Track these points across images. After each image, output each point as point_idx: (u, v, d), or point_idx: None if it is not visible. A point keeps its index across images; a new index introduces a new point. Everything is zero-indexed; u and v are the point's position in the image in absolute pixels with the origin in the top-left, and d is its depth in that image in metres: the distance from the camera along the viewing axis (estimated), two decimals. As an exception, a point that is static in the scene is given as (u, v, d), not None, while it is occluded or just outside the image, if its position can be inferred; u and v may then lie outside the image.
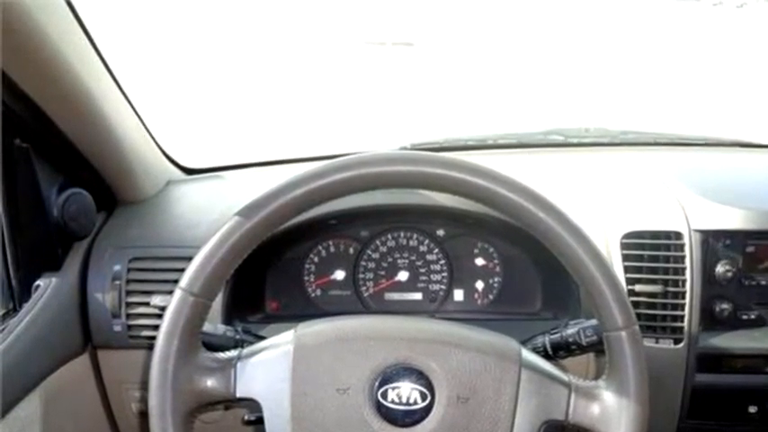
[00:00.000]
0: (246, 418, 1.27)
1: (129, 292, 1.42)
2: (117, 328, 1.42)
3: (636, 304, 1.38)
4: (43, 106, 1.15)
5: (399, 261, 1.63)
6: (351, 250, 1.63)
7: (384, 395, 0.94)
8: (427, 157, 0.93)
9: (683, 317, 1.40)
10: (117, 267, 1.42)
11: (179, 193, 1.67)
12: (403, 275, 1.62)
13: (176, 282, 0.93)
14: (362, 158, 0.92)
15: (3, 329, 1.22)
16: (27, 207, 1.30)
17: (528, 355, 1.00)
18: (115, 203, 1.55)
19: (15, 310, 1.30)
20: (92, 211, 1.44)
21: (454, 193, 0.94)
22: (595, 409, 0.96)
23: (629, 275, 1.41)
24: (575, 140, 1.93)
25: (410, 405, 0.93)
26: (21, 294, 1.33)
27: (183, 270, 0.93)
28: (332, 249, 1.63)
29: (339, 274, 1.62)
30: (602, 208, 1.51)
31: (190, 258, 0.93)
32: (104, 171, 1.43)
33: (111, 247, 1.46)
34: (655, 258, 1.42)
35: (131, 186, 1.54)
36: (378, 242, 1.62)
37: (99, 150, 1.37)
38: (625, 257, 1.42)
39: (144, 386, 1.44)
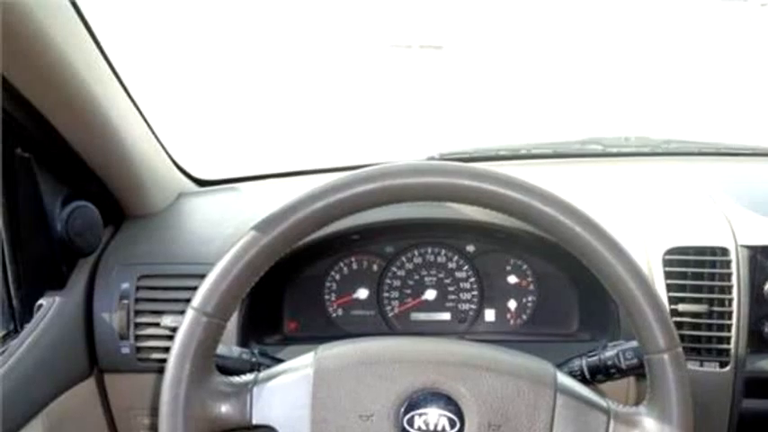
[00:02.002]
0: None
1: (137, 312, 1.41)
2: (125, 351, 1.41)
3: (679, 325, 1.37)
4: (46, 114, 1.15)
5: (426, 279, 1.61)
6: (374, 267, 1.62)
7: (410, 422, 0.93)
8: (457, 167, 0.92)
9: (729, 338, 1.38)
10: (125, 285, 1.42)
11: (191, 206, 1.67)
12: (430, 294, 1.61)
13: (188, 301, 0.93)
14: (387, 169, 0.92)
15: (3, 352, 1.22)
16: (29, 221, 1.30)
17: (564, 379, 0.99)
18: (123, 217, 1.55)
19: (17, 331, 1.30)
20: (98, 225, 1.44)
21: (485, 206, 0.93)
22: None
23: (671, 294, 1.40)
24: (614, 150, 1.92)
25: None
26: (22, 314, 1.33)
27: (195, 288, 0.93)
28: (354, 266, 1.62)
29: (362, 293, 1.61)
30: (642, 222, 1.49)
31: (203, 276, 0.93)
32: (111, 183, 1.43)
33: (119, 263, 1.45)
34: (699, 276, 1.40)
35: (140, 199, 1.54)
36: (403, 258, 1.61)
37: (106, 161, 1.37)
38: (668, 275, 1.41)
39: (154, 412, 1.44)
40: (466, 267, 1.61)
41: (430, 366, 0.96)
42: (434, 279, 1.61)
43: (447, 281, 1.61)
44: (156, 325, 1.39)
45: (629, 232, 1.43)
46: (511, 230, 1.47)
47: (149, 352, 1.41)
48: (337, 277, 1.61)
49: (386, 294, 1.61)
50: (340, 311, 1.62)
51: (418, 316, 1.61)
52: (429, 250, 1.61)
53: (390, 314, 1.61)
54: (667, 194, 1.59)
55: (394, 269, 1.61)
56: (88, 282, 1.43)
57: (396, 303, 1.61)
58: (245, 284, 0.93)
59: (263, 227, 0.91)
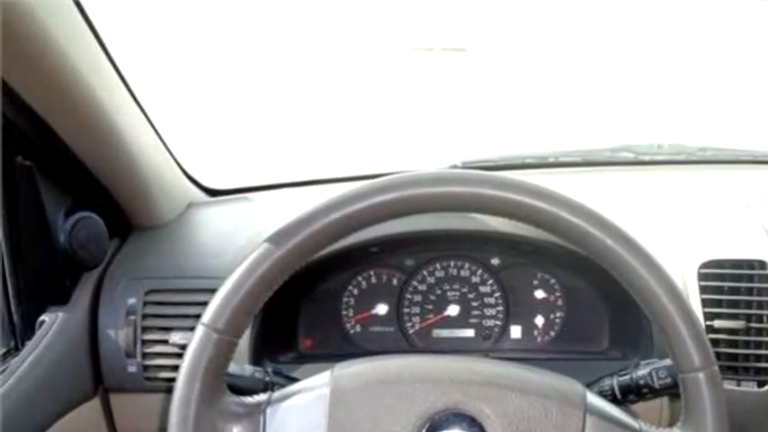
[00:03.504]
0: None
1: (144, 329, 1.41)
2: (131, 369, 1.41)
3: (715, 342, 1.36)
4: (48, 119, 1.15)
5: (449, 293, 1.61)
6: (394, 281, 1.61)
7: None
8: (481, 176, 0.92)
9: (767, 356, 1.37)
10: (132, 300, 1.42)
11: (201, 217, 1.67)
12: (453, 310, 1.60)
13: (198, 317, 0.92)
14: (408, 178, 0.91)
15: (3, 370, 1.22)
16: (30, 232, 1.30)
17: (594, 399, 0.98)
18: (130, 229, 1.56)
19: (17, 349, 1.31)
20: (103, 237, 1.44)
21: (511, 217, 0.93)
22: None
23: (707, 309, 1.39)
24: (646, 158, 1.91)
25: None
26: (23, 331, 1.33)
27: (205, 304, 0.92)
28: (373, 280, 1.61)
29: (381, 309, 1.61)
30: (677, 234, 1.49)
31: (213, 290, 0.92)
32: (118, 192, 1.43)
33: (126, 277, 1.45)
34: (736, 290, 1.39)
35: (148, 210, 1.54)
36: (425, 272, 1.60)
37: (112, 169, 1.37)
38: (703, 289, 1.40)
39: None
40: (491, 281, 1.60)
41: (453, 386, 0.95)
42: (457, 294, 1.60)
43: (471, 296, 1.60)
44: (165, 342, 1.38)
45: (661, 244, 1.42)
46: (538, 243, 1.46)
47: (157, 371, 1.40)
48: (355, 292, 1.61)
49: (406, 310, 1.60)
50: (358, 328, 1.61)
51: (440, 333, 1.61)
52: (452, 263, 1.61)
53: (411, 331, 1.60)
54: (702, 204, 1.58)
55: (415, 283, 1.60)
56: (93, 297, 1.43)
57: (417, 319, 1.60)
58: (258, 299, 0.92)
59: (276, 239, 0.90)
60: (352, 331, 1.61)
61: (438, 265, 1.60)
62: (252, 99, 8.68)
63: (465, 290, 1.60)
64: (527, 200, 0.90)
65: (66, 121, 1.19)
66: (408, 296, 1.60)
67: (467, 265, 1.61)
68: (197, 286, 1.42)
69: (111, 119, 1.28)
